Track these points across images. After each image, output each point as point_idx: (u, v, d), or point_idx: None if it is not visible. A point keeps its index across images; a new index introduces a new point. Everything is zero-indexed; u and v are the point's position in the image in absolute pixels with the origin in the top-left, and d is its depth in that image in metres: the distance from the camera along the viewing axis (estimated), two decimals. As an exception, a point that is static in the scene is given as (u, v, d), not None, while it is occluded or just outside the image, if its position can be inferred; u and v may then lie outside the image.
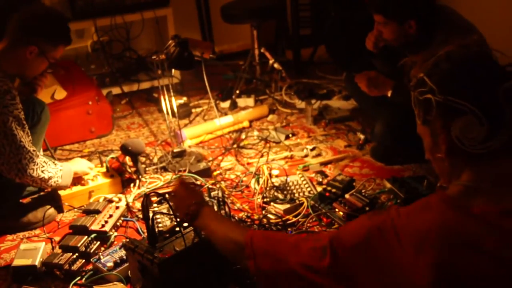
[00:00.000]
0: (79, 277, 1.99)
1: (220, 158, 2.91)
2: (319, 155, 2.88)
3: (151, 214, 1.76)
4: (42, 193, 2.56)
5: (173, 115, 2.98)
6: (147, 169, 2.78)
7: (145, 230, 1.80)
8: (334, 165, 2.77)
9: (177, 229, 1.78)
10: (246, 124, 3.29)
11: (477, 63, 1.17)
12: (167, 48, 2.66)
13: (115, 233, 2.24)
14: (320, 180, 2.56)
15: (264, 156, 2.85)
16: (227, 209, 2.25)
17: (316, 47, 4.32)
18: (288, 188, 2.46)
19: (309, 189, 2.45)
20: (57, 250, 2.13)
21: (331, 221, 2.23)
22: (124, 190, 2.61)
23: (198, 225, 1.66)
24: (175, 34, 2.72)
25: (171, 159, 2.81)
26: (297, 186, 2.47)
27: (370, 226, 1.20)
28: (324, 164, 2.78)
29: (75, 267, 2.02)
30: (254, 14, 3.74)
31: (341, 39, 3.18)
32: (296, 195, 2.42)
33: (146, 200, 1.78)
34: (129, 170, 2.70)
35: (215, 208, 2.25)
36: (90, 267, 2.05)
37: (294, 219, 2.24)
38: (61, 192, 2.46)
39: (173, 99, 2.90)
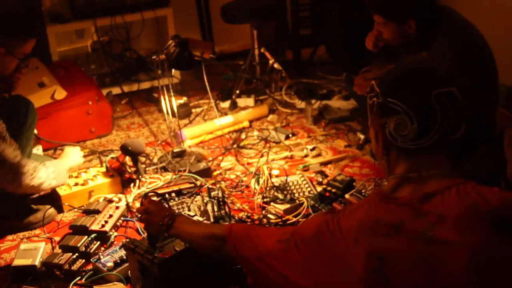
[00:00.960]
0: (79, 277, 1.99)
1: (220, 158, 2.91)
2: (319, 155, 2.88)
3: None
4: (41, 193, 2.55)
5: (173, 115, 2.98)
6: (147, 169, 2.78)
7: (145, 230, 1.80)
8: (334, 165, 2.77)
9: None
10: (246, 124, 3.29)
11: (417, 71, 1.30)
12: (167, 48, 2.66)
13: (115, 233, 2.24)
14: (320, 180, 2.56)
15: (264, 156, 2.85)
16: (227, 209, 2.25)
17: (316, 47, 4.32)
18: (288, 188, 2.46)
19: (309, 189, 2.45)
20: (57, 250, 2.13)
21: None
22: (124, 190, 2.61)
23: (176, 232, 1.67)
24: (175, 34, 2.72)
25: (171, 159, 2.81)
26: (297, 186, 2.47)
27: (321, 222, 1.35)
28: (324, 164, 2.78)
29: (75, 267, 2.02)
30: (254, 14, 3.74)
31: (341, 39, 3.18)
32: (296, 195, 2.42)
33: (145, 199, 1.78)
34: (129, 170, 2.70)
35: (215, 208, 2.25)
36: (90, 267, 2.05)
37: (294, 219, 2.24)
38: (61, 192, 2.46)
39: (173, 99, 2.90)
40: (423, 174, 1.26)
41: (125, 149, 2.66)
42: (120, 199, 2.48)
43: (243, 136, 3.17)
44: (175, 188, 2.43)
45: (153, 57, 2.74)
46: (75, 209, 2.47)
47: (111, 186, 2.57)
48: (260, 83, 3.84)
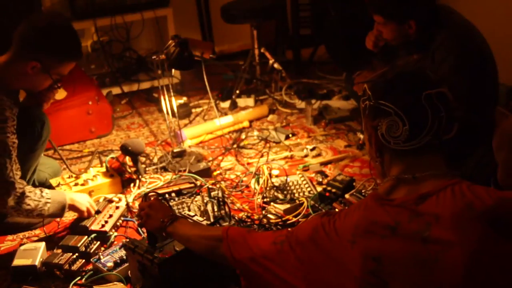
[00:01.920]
0: (79, 277, 1.99)
1: (220, 158, 2.91)
2: (319, 155, 2.88)
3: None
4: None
5: (173, 115, 2.98)
6: (147, 169, 2.78)
7: (145, 230, 1.80)
8: (334, 165, 2.77)
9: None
10: (246, 124, 3.29)
11: (408, 73, 1.31)
12: (167, 48, 2.66)
13: (115, 233, 2.24)
14: (320, 180, 2.56)
15: (264, 156, 2.85)
16: (227, 209, 2.25)
17: (316, 47, 4.32)
18: (288, 188, 2.46)
19: (309, 189, 2.45)
20: (57, 250, 2.13)
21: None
22: (124, 190, 2.61)
23: (173, 231, 1.67)
24: (175, 34, 2.72)
25: (171, 159, 2.81)
26: (297, 186, 2.47)
27: (317, 223, 1.36)
28: (324, 164, 2.78)
29: (75, 267, 2.02)
30: (254, 14, 3.74)
31: (341, 39, 3.18)
32: (296, 195, 2.42)
33: (145, 199, 1.78)
34: (129, 170, 2.70)
35: (215, 208, 2.25)
36: (90, 267, 2.05)
37: (294, 219, 2.24)
38: (61, 192, 2.46)
39: (173, 99, 2.90)
40: (418, 175, 1.27)
41: (125, 149, 2.66)
42: (120, 199, 2.48)
43: (243, 136, 3.17)
44: (175, 188, 2.43)
45: (153, 57, 2.74)
46: (75, 209, 2.47)
47: (111, 186, 2.57)
48: (260, 83, 3.84)
